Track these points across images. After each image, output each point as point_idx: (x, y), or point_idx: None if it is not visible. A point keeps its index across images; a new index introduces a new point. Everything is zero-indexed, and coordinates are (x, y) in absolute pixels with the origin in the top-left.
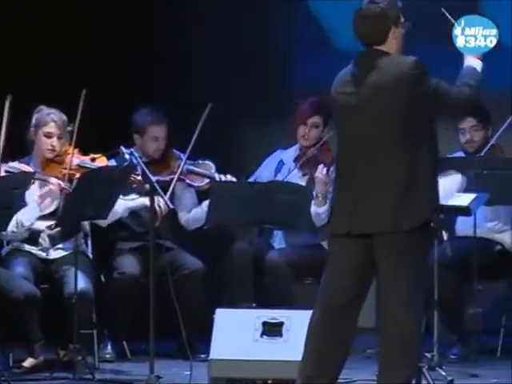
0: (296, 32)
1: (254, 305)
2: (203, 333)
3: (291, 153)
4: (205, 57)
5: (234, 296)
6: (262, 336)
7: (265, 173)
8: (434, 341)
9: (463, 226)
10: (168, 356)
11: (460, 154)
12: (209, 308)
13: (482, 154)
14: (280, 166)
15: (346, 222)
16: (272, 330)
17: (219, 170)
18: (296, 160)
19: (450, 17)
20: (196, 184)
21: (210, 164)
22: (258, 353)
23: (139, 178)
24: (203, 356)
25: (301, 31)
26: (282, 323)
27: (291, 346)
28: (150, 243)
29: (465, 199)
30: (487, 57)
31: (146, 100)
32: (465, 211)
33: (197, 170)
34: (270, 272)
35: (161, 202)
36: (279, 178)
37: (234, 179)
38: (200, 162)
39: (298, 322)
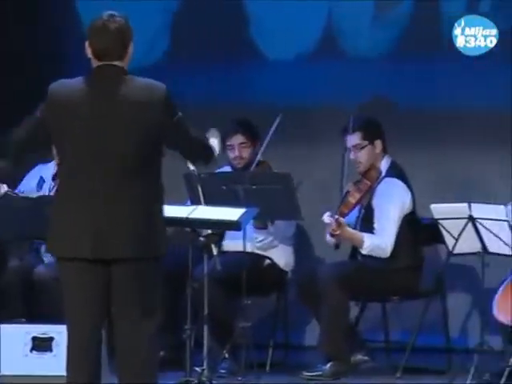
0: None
1: (23, 320)
2: None
3: (50, 169)
4: None
5: (4, 311)
6: (31, 351)
7: (26, 188)
8: (203, 355)
9: (233, 240)
10: None
11: (227, 168)
12: None
13: (251, 169)
14: (41, 182)
15: (88, 245)
16: (42, 344)
17: None
18: (54, 178)
19: None
20: None
21: None
22: (27, 368)
23: None
24: None
25: None
26: (52, 338)
27: (61, 361)
28: None
29: (234, 213)
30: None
31: None
32: (234, 226)
33: None
34: (38, 287)
35: None
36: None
37: (5, 187)
38: None
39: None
